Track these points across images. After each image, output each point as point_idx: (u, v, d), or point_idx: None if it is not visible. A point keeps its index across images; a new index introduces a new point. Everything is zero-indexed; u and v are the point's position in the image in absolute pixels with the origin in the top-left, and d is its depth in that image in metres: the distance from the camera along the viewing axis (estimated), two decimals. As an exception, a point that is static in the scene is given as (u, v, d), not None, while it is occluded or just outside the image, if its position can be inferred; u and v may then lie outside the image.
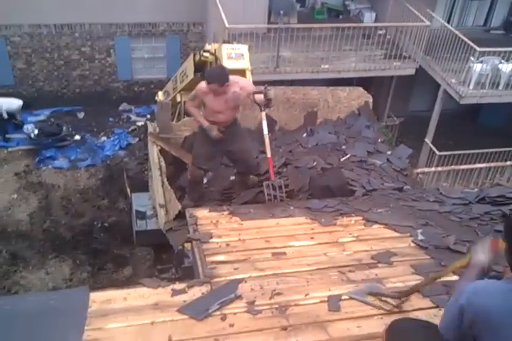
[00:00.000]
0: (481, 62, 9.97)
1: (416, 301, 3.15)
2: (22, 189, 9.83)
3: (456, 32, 10.30)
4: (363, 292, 3.20)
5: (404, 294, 3.13)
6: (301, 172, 5.58)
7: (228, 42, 7.64)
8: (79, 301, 3.14)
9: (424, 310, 3.08)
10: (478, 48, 9.75)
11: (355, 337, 2.83)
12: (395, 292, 3.19)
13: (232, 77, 4.77)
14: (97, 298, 3.16)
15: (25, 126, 11.20)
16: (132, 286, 3.40)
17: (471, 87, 10.08)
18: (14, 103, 11.36)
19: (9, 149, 11.18)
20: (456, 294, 2.24)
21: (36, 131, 11.07)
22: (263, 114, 4.94)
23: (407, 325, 2.64)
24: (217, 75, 4.69)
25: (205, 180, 5.72)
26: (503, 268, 2.61)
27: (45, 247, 8.31)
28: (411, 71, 11.40)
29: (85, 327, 2.88)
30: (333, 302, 3.18)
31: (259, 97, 4.79)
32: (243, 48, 7.13)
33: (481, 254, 2.55)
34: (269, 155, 4.96)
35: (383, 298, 3.13)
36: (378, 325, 2.81)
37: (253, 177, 5.52)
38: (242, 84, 4.86)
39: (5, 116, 11.15)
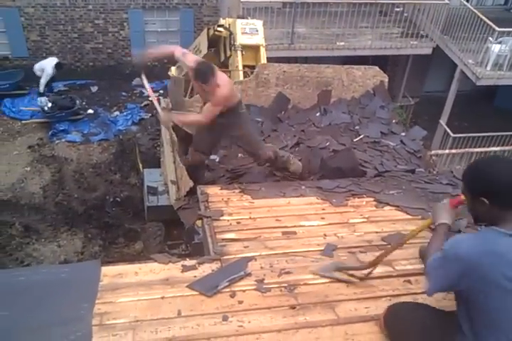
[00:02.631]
0: (500, 42, 9.78)
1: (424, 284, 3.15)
2: (35, 162, 9.90)
3: (475, 11, 10.09)
4: (330, 269, 3.24)
5: (371, 264, 3.15)
6: (313, 153, 5.55)
7: (243, 17, 7.55)
8: (90, 275, 3.18)
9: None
10: (497, 28, 9.56)
11: (362, 318, 2.85)
12: (361, 264, 3.26)
13: (220, 79, 4.50)
14: (109, 272, 3.20)
15: (38, 99, 11.23)
16: (143, 261, 3.43)
17: (488, 68, 9.92)
18: (54, 59, 11.65)
19: (23, 122, 11.24)
20: (435, 254, 2.29)
21: (50, 104, 11.09)
22: None
23: (403, 309, 2.68)
24: (198, 73, 4.45)
25: (217, 159, 5.72)
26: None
27: (58, 220, 8.40)
28: (428, 50, 11.24)
29: (96, 301, 2.92)
30: (328, 250, 3.45)
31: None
32: (258, 24, 7.06)
33: (442, 213, 2.65)
34: None
35: (350, 272, 3.20)
36: (386, 307, 2.82)
37: (298, 163, 5.31)
38: (218, 94, 4.52)
39: (50, 72, 11.37)
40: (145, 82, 4.95)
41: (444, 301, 2.74)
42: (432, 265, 2.29)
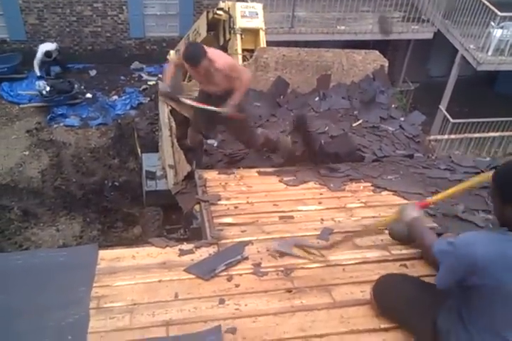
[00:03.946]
0: (502, 27, 9.69)
1: (420, 268, 3.17)
2: (33, 146, 9.89)
3: (478, -5, 9.98)
4: (289, 244, 3.30)
5: (331, 246, 3.33)
6: (312, 138, 5.52)
7: (243, 0, 7.46)
8: (88, 258, 3.19)
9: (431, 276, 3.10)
10: (499, 13, 9.47)
11: (358, 301, 2.86)
12: (323, 245, 3.36)
13: (211, 55, 4.36)
14: (106, 256, 3.21)
15: (36, 83, 11.17)
16: (141, 245, 3.44)
17: (489, 53, 9.85)
18: (49, 45, 11.74)
19: (21, 106, 11.19)
20: (441, 243, 2.33)
21: (48, 88, 11.04)
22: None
23: (391, 280, 2.75)
24: (188, 55, 4.33)
25: (215, 143, 5.69)
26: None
27: (56, 204, 8.41)
28: (429, 35, 11.15)
29: (93, 284, 2.94)
30: (324, 234, 3.49)
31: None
32: (258, 7, 6.97)
33: (413, 210, 2.89)
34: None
35: (309, 250, 3.27)
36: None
37: (286, 138, 5.26)
38: (217, 66, 4.40)
39: (39, 56, 11.51)
40: (188, 101, 4.82)
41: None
42: (440, 251, 2.28)
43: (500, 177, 2.18)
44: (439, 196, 3.22)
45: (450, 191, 3.12)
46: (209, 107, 4.66)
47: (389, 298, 2.67)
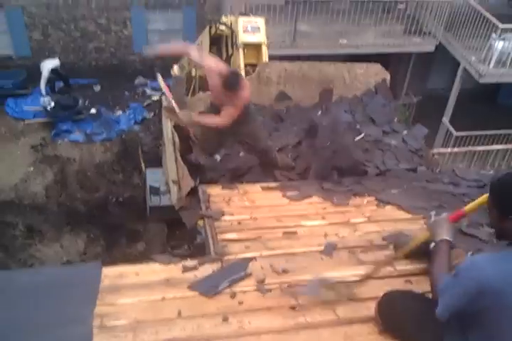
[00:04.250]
0: (503, 39, 9.71)
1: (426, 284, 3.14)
2: (38, 162, 9.92)
3: (479, 7, 10.03)
4: (316, 286, 3.03)
5: (360, 279, 3.11)
6: (314, 152, 5.53)
7: (245, 14, 7.52)
8: (91, 276, 3.18)
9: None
10: (500, 25, 9.51)
11: (362, 319, 2.84)
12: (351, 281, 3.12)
13: (243, 86, 4.56)
14: (109, 273, 3.20)
15: (41, 98, 11.24)
16: (144, 262, 3.43)
17: (491, 65, 9.87)
18: (52, 62, 11.63)
19: (26, 121, 11.26)
20: (447, 276, 2.25)
21: (52, 104, 11.10)
22: None
23: (396, 296, 2.71)
24: (231, 83, 4.48)
25: (218, 158, 5.71)
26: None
27: (61, 221, 8.42)
28: (431, 48, 11.19)
29: (97, 302, 2.92)
30: (328, 249, 3.45)
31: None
32: (260, 21, 7.03)
33: (443, 229, 2.58)
34: None
35: (337, 288, 3.03)
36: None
37: (286, 158, 5.38)
38: (242, 95, 4.58)
39: (46, 74, 11.40)
40: (161, 82, 4.93)
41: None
42: (445, 286, 2.23)
43: (497, 189, 2.17)
44: (471, 206, 2.78)
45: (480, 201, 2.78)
46: (174, 104, 4.85)
47: (394, 315, 2.64)
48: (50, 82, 11.66)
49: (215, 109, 4.86)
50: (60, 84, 12.22)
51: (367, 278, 3.11)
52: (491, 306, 2.07)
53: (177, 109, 4.77)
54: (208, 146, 5.14)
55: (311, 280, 3.09)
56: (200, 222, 4.32)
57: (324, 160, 5.19)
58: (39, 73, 11.53)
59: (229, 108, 4.59)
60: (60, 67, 11.79)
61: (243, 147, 5.42)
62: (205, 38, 7.68)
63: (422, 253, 2.98)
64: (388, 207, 4.24)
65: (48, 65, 11.51)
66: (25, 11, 12.36)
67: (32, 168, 9.73)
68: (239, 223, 3.90)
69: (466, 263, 2.18)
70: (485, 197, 2.49)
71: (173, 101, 4.84)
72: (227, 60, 7.23)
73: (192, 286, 3.08)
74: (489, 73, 9.83)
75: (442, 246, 2.55)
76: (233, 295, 3.01)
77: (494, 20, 9.60)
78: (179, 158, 5.64)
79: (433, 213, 3.77)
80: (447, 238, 2.57)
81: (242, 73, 6.72)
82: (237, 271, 3.22)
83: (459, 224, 3.77)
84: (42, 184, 9.31)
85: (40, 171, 9.64)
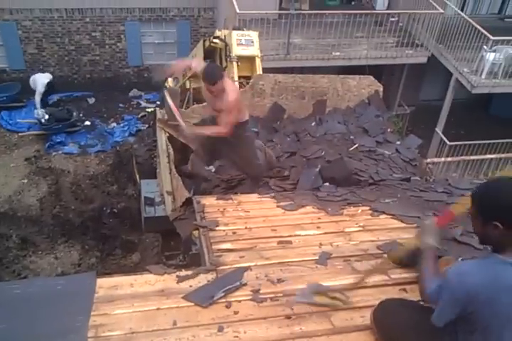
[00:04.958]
0: (495, 51, 9.84)
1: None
2: (32, 174, 9.90)
3: (470, 20, 10.16)
4: (309, 292, 3.08)
5: (351, 286, 3.14)
6: (308, 163, 5.57)
7: (238, 28, 7.60)
8: (86, 286, 3.17)
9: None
10: (491, 37, 9.63)
11: (358, 327, 2.84)
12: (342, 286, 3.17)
13: (228, 85, 4.53)
14: (104, 284, 3.19)
15: (35, 111, 11.26)
16: (139, 273, 3.42)
17: (483, 76, 9.97)
18: (44, 76, 11.64)
19: (20, 134, 11.26)
20: (436, 281, 2.32)
21: (47, 116, 11.12)
22: None
23: (392, 304, 2.73)
24: (207, 73, 4.46)
25: (213, 169, 5.73)
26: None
27: (55, 232, 8.38)
28: (423, 59, 11.30)
29: (91, 313, 2.92)
30: (322, 259, 3.46)
31: None
32: (253, 35, 7.10)
33: (428, 237, 2.67)
34: None
35: (331, 295, 3.06)
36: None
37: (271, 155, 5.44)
38: (226, 97, 4.51)
39: (41, 89, 11.35)
40: (168, 98, 4.98)
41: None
42: (436, 293, 2.29)
43: (478, 197, 2.24)
44: (458, 206, 2.93)
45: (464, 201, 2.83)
46: (179, 118, 4.82)
47: (389, 323, 2.65)
48: (43, 95, 11.66)
49: (213, 122, 4.89)
50: (53, 98, 12.24)
51: (358, 285, 3.12)
52: (480, 313, 2.12)
53: (182, 123, 4.78)
54: (204, 157, 5.14)
55: (304, 287, 3.12)
56: (195, 233, 4.31)
57: (318, 170, 5.22)
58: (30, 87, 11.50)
59: (223, 115, 4.59)
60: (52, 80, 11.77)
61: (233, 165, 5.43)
62: (199, 51, 7.74)
63: (414, 259, 3.01)
64: (383, 216, 4.25)
65: (44, 79, 11.50)
66: (20, 25, 12.42)
67: (26, 180, 9.72)
68: (234, 233, 3.90)
69: (454, 270, 2.24)
70: (468, 198, 2.52)
71: (179, 118, 4.86)
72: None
73: (187, 296, 3.08)
74: (481, 84, 9.93)
75: (428, 253, 2.64)
76: (228, 305, 3.01)
77: (485, 32, 9.73)
78: (173, 169, 5.67)
79: (425, 220, 3.82)
80: (432, 244, 2.66)
81: (236, 85, 6.77)
82: (232, 280, 3.22)
83: (454, 232, 3.80)
84: (36, 196, 9.29)
85: (34, 183, 9.62)
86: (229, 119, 4.56)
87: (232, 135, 4.63)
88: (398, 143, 6.17)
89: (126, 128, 11.66)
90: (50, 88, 11.65)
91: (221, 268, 3.39)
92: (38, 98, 11.32)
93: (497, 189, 2.18)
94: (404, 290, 3.16)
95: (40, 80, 11.44)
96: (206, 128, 4.82)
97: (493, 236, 2.16)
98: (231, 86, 4.63)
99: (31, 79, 11.53)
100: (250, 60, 7.02)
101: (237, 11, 9.55)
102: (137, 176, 9.25)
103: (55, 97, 12.32)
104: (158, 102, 12.34)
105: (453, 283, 2.16)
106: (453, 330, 2.30)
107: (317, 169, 5.24)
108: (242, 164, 5.13)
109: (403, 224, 4.10)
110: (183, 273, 3.32)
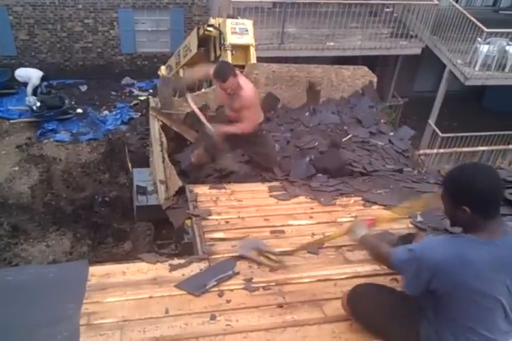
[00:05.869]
0: (488, 43, 9.85)
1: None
2: (23, 161, 9.83)
3: (464, 12, 10.15)
4: (249, 247, 3.35)
5: (289, 252, 3.40)
6: (301, 153, 5.57)
7: (233, 16, 7.54)
8: (78, 274, 3.17)
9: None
10: (485, 29, 9.63)
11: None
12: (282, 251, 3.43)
13: (243, 82, 4.59)
14: (96, 272, 3.19)
15: (27, 98, 11.15)
16: (131, 261, 3.43)
17: (476, 68, 9.99)
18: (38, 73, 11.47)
19: (11, 121, 11.16)
20: (399, 250, 2.41)
21: (38, 104, 11.01)
22: None
23: (368, 289, 2.77)
24: (217, 71, 4.51)
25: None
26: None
27: (46, 220, 8.33)
28: (417, 50, 11.29)
29: (83, 301, 2.92)
30: (314, 248, 3.51)
31: None
32: (248, 23, 7.05)
33: (362, 229, 2.89)
34: None
35: (267, 255, 3.32)
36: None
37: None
38: (242, 93, 4.58)
39: (36, 82, 11.27)
40: (190, 100, 4.98)
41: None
42: (400, 260, 2.35)
43: (450, 181, 2.31)
44: (384, 218, 3.44)
45: (394, 214, 3.43)
46: (204, 120, 4.85)
47: (366, 306, 2.67)
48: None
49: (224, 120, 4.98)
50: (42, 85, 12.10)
51: (291, 253, 3.43)
52: (445, 287, 2.20)
53: (208, 125, 4.80)
54: (215, 151, 5.18)
55: (246, 241, 3.44)
56: (188, 222, 4.32)
57: (311, 161, 5.22)
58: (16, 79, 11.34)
59: (244, 112, 4.65)
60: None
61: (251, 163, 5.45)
62: (192, 39, 7.68)
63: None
64: (375, 207, 4.28)
65: (38, 72, 11.37)
66: (11, 11, 12.25)
67: (17, 168, 9.64)
68: (226, 222, 3.91)
69: (424, 243, 2.40)
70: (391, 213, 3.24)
71: (203, 120, 4.88)
72: (215, 62, 7.24)
73: (179, 285, 3.09)
74: (474, 76, 9.95)
75: (368, 238, 2.82)
76: (221, 294, 3.02)
77: (479, 24, 9.72)
78: (166, 158, 5.65)
79: (418, 214, 3.86)
80: (365, 233, 2.85)
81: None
82: (225, 269, 3.23)
83: (445, 223, 3.82)
84: (27, 183, 9.23)
85: (25, 171, 9.55)
86: (250, 115, 4.64)
87: (251, 135, 4.78)
88: (391, 134, 6.19)
89: (118, 116, 11.58)
90: (41, 81, 11.53)
91: (213, 257, 3.41)
92: (30, 89, 11.23)
93: (471, 175, 2.22)
94: (396, 280, 3.18)
95: (36, 73, 11.34)
96: (230, 127, 4.81)
97: (462, 219, 2.24)
98: (247, 83, 4.68)
99: (20, 72, 11.38)
100: (244, 48, 6.98)
101: (232, -2, 9.48)
102: (129, 165, 9.21)
103: (44, 83, 12.14)
104: (151, 90, 12.27)
105: (422, 255, 2.24)
106: (427, 311, 2.36)
107: (307, 159, 5.25)
108: (260, 159, 5.21)
109: (395, 215, 4.11)
110: (176, 261, 3.33)
